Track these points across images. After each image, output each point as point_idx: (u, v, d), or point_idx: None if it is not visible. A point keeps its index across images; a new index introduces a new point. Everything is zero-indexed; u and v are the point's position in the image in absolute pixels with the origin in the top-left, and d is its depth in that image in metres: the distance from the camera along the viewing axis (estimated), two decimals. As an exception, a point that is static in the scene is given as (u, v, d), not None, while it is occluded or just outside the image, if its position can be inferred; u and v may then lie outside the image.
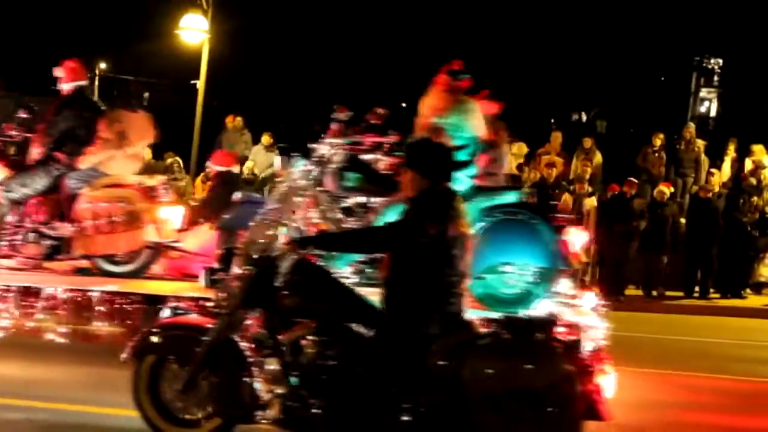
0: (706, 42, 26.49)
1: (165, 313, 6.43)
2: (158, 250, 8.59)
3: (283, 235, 5.82)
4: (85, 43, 29.12)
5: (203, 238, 9.12)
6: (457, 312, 5.49)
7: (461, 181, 7.27)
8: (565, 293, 7.51)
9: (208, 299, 7.27)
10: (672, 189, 16.00)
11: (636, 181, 15.83)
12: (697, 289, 15.50)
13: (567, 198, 15.44)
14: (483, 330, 5.42)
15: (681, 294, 15.48)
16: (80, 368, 8.20)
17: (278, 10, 28.27)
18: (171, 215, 8.69)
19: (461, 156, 7.36)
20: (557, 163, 16.42)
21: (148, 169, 17.38)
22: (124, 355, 6.18)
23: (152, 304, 7.83)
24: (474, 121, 7.80)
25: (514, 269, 7.43)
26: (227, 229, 8.80)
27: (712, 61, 29.40)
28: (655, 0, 25.06)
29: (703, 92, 29.86)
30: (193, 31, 20.23)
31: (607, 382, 5.24)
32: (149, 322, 7.51)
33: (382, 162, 7.76)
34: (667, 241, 15.50)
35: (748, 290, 15.66)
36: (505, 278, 7.42)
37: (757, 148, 16.51)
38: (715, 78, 29.75)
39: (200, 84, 20.34)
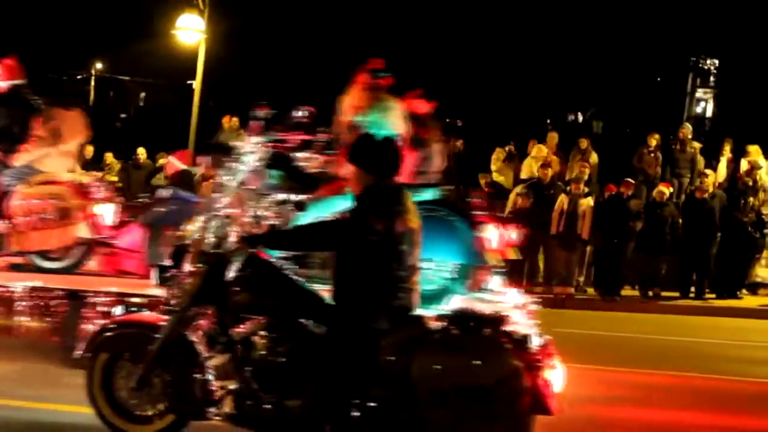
0: (702, 42, 26.51)
1: (118, 311, 6.47)
2: (91, 246, 8.72)
3: (234, 232, 5.88)
4: (81, 43, 29.12)
5: (138, 234, 9.21)
6: (406, 307, 5.54)
7: None
8: (490, 290, 7.59)
9: (134, 295, 7.51)
10: (672, 189, 16.01)
11: (632, 181, 15.84)
12: (693, 289, 15.52)
13: (563, 198, 15.48)
14: (433, 325, 5.46)
15: (677, 294, 15.49)
16: (9, 365, 8.16)
17: (274, 11, 28.28)
18: (104, 212, 8.83)
19: None
20: (553, 164, 16.44)
21: (141, 168, 17.53)
22: (77, 353, 6.21)
23: (76, 300, 7.87)
24: (393, 120, 7.85)
25: (432, 266, 7.48)
26: (152, 225, 8.87)
27: (708, 61, 29.40)
28: (651, 0, 25.08)
29: (699, 93, 29.85)
30: (190, 31, 20.24)
31: (556, 377, 5.28)
32: (74, 318, 7.65)
33: (313, 160, 7.85)
34: (664, 242, 15.51)
35: (744, 291, 15.67)
36: (422, 275, 7.48)
37: (753, 149, 16.50)
38: (711, 78, 29.75)
39: (196, 84, 20.36)
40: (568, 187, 15.81)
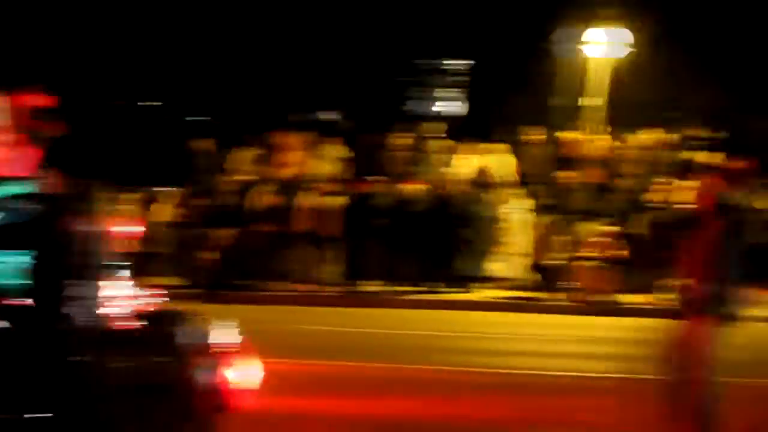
0: (450, 42, 27.33)
1: None
2: None
3: None
4: None
5: None
6: (93, 307, 5.53)
7: None
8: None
9: None
10: (419, 187, 16.45)
11: (379, 179, 16.22)
12: (436, 284, 16.02)
13: (310, 196, 15.69)
14: (116, 323, 5.53)
15: (420, 289, 15.96)
16: None
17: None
18: None
19: None
20: (297, 162, 16.60)
21: None
22: None
23: None
24: None
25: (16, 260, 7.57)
26: None
27: (456, 61, 30.42)
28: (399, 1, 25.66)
29: (446, 92, 30.84)
30: None
31: (246, 374, 5.46)
32: None
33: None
34: (408, 238, 15.95)
35: (475, 284, 16.23)
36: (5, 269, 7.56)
37: (495, 147, 17.26)
38: (458, 78, 30.82)
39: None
40: (316, 185, 16.03)
